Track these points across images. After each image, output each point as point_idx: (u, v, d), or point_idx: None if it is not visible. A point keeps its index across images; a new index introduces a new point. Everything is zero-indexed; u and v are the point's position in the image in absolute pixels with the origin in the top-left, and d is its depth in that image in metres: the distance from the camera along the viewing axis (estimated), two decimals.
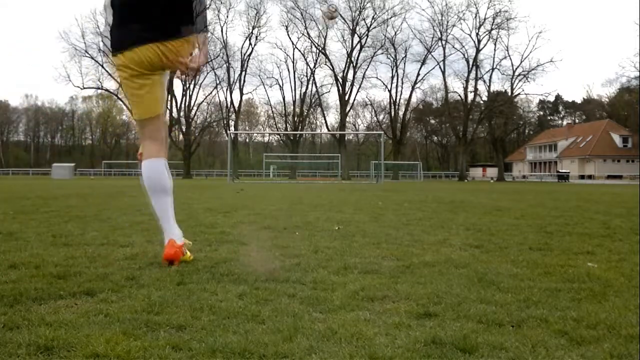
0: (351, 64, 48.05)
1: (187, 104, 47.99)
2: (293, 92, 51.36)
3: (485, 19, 47.04)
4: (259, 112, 71.75)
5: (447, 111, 51.45)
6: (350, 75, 48.29)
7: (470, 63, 47.88)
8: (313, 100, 51.62)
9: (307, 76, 50.27)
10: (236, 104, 48.87)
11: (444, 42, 47.89)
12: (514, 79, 47.87)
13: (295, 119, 51.00)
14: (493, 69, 48.13)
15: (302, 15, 47.49)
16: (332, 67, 48.52)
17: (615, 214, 6.29)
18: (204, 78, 46.10)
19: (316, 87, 50.24)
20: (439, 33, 47.72)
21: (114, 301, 1.89)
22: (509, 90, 48.88)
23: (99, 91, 54.47)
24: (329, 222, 4.90)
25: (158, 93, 2.65)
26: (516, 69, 47.67)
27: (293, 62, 51.52)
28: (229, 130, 36.39)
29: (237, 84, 48.52)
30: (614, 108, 66.06)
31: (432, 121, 66.85)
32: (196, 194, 11.05)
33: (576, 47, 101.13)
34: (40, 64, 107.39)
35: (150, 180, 2.64)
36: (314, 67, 49.47)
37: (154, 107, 2.66)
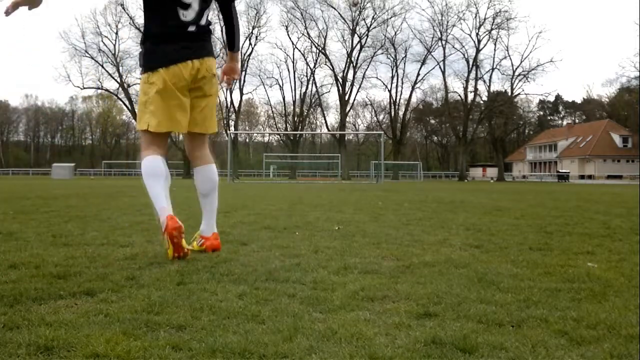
0: (351, 64, 48.05)
1: None
2: (293, 92, 51.42)
3: (485, 19, 47.08)
4: (259, 112, 71.88)
5: (447, 111, 51.44)
6: (350, 75, 48.34)
7: (470, 63, 47.90)
8: (313, 100, 51.64)
9: (307, 76, 50.33)
10: (236, 104, 48.90)
11: (444, 42, 47.93)
12: (514, 79, 47.89)
13: (295, 119, 51.01)
14: (493, 69, 48.17)
15: (302, 15, 47.55)
16: (332, 67, 48.57)
17: (615, 214, 6.29)
18: None
19: (316, 87, 50.29)
20: (439, 33, 47.76)
21: (114, 301, 1.89)
22: (509, 90, 48.91)
23: (99, 91, 54.54)
24: (329, 222, 4.90)
25: (179, 112, 2.85)
26: (516, 69, 47.71)
27: (293, 62, 51.59)
28: (229, 130, 36.41)
29: (237, 84, 48.53)
30: (614, 108, 66.08)
31: (432, 121, 66.83)
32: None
33: (576, 47, 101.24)
34: (40, 64, 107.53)
35: (151, 168, 2.81)
36: (314, 67, 49.52)
37: (172, 124, 2.85)
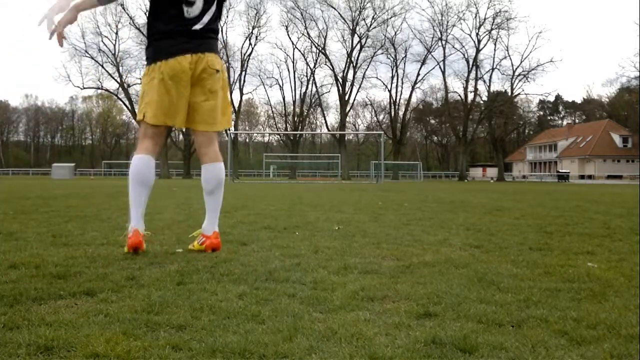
0: (351, 64, 48.05)
1: None
2: (293, 92, 51.46)
3: (485, 19, 47.11)
4: (259, 112, 71.93)
5: (447, 111, 51.45)
6: (350, 75, 48.35)
7: (470, 63, 47.91)
8: (313, 100, 51.65)
9: (307, 76, 50.35)
10: (236, 104, 48.87)
11: (444, 42, 47.96)
12: (514, 79, 47.91)
13: (295, 119, 51.03)
14: (493, 69, 48.20)
15: (302, 15, 47.55)
16: (332, 67, 48.57)
17: (615, 214, 6.29)
18: None
19: (316, 87, 50.31)
20: (439, 33, 47.79)
21: (114, 301, 1.89)
22: (509, 90, 48.92)
23: (99, 91, 54.53)
24: (329, 222, 4.90)
25: (176, 106, 2.90)
26: (516, 69, 47.74)
27: (293, 62, 51.67)
28: (229, 130, 36.41)
29: (237, 84, 48.56)
30: (614, 108, 66.11)
31: (432, 121, 66.89)
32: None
33: (576, 47, 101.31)
34: (40, 64, 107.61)
35: (140, 173, 2.90)
36: (314, 67, 49.54)
37: (167, 117, 2.90)
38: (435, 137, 73.25)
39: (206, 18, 2.90)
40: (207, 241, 3.02)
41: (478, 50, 47.48)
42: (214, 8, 2.95)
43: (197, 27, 2.87)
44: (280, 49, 61.74)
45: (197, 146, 3.12)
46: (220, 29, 3.12)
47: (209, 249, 3.00)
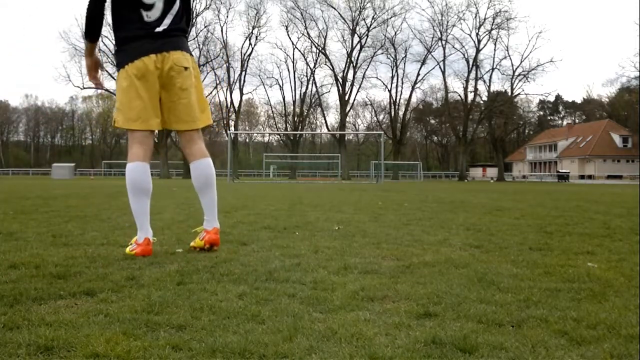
0: (351, 64, 48.08)
1: None
2: (293, 92, 51.51)
3: (485, 19, 47.17)
4: (259, 112, 71.98)
5: (447, 111, 51.48)
6: (350, 75, 48.39)
7: (470, 63, 47.94)
8: (313, 100, 51.69)
9: (307, 76, 50.39)
10: (236, 104, 48.92)
11: (444, 42, 48.00)
12: (514, 79, 47.96)
13: (295, 119, 51.05)
14: (493, 69, 48.25)
15: (302, 15, 47.60)
16: (332, 67, 48.60)
17: (615, 214, 6.29)
18: (204, 78, 46.19)
19: (316, 87, 50.34)
20: (439, 33, 47.82)
21: (114, 301, 1.89)
22: (509, 90, 48.95)
23: (99, 91, 54.59)
24: (329, 222, 4.90)
25: (147, 109, 2.88)
26: (516, 69, 47.79)
27: (293, 62, 51.92)
28: (229, 130, 36.44)
29: (237, 84, 48.60)
30: (614, 108, 66.13)
31: (432, 121, 66.91)
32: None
33: (576, 47, 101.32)
34: (40, 64, 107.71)
35: (135, 182, 2.90)
36: (314, 67, 49.57)
37: (139, 122, 2.89)
38: (435, 137, 73.27)
39: (168, 19, 2.89)
40: (206, 236, 3.05)
41: (478, 50, 47.53)
42: (176, 7, 2.93)
43: (160, 29, 2.86)
44: (280, 49, 62.08)
45: (182, 147, 3.13)
46: (188, 28, 3.07)
47: (208, 244, 3.02)
